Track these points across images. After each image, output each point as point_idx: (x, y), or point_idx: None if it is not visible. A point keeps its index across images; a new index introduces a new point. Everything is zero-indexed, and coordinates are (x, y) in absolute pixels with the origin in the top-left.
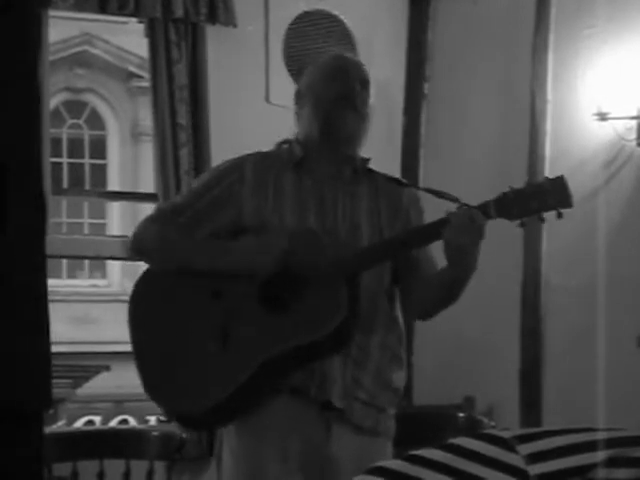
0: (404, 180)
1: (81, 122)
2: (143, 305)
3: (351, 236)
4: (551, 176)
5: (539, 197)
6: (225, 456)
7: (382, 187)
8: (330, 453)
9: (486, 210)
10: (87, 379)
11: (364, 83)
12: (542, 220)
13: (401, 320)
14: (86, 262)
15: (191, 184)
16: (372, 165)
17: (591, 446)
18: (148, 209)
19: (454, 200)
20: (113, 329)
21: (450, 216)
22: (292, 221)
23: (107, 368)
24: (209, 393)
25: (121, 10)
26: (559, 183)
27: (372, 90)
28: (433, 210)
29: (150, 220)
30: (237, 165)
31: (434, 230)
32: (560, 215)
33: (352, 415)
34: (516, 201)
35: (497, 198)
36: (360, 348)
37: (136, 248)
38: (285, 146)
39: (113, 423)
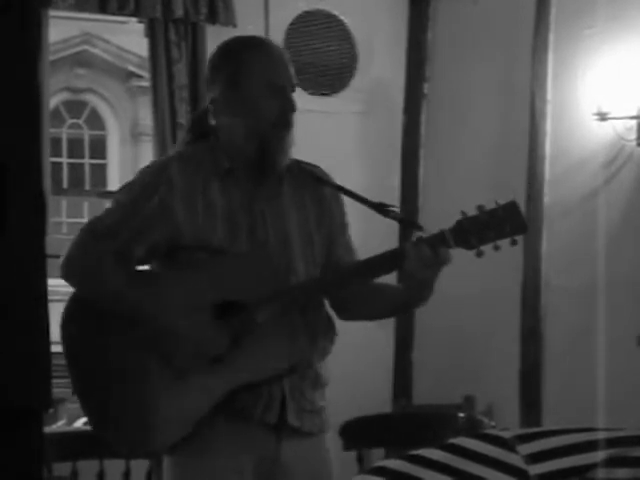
0: (330, 180)
1: (81, 122)
2: (78, 335)
3: (282, 247)
4: (503, 202)
5: (495, 225)
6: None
7: (307, 185)
8: (281, 461)
9: (445, 240)
10: None
11: (294, 88)
12: (497, 248)
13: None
14: None
15: (116, 196)
16: (372, 166)
17: (591, 446)
18: None
19: (395, 218)
20: None
21: (409, 249)
22: (223, 234)
23: None
24: (171, 428)
25: (121, 10)
26: (512, 209)
27: (372, 88)
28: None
29: (81, 245)
30: (162, 172)
31: (392, 263)
32: (515, 242)
33: (303, 427)
34: (473, 230)
35: (453, 227)
36: (306, 362)
37: (66, 276)
38: (202, 150)
39: None
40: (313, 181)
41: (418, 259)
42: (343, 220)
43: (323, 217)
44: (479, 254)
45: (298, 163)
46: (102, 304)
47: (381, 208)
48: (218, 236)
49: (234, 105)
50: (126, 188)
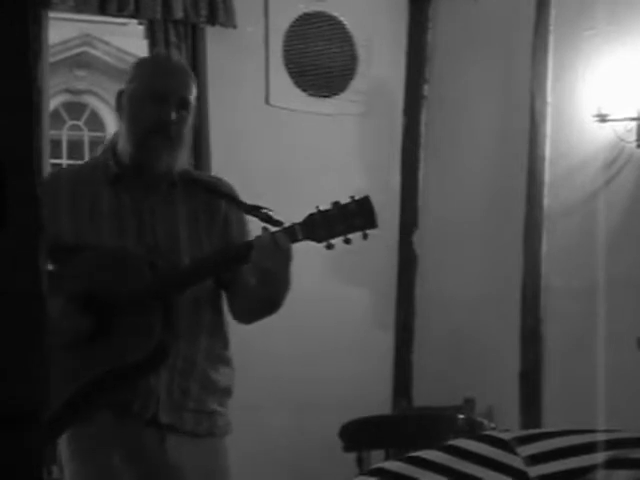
0: (223, 189)
1: (81, 123)
2: None
3: (170, 250)
4: (357, 197)
5: (345, 219)
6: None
7: (200, 195)
8: (169, 461)
9: (293, 233)
10: None
11: (184, 104)
12: (348, 242)
13: (226, 323)
14: None
15: None
16: (373, 167)
17: (591, 448)
18: None
19: (265, 219)
20: None
21: (255, 240)
22: (110, 241)
23: None
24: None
25: (121, 11)
26: (365, 204)
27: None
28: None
29: None
30: (50, 183)
31: (241, 253)
32: (365, 236)
33: (184, 426)
34: (322, 223)
35: (304, 221)
36: (185, 359)
37: None
38: (101, 159)
39: None
40: (206, 191)
41: (261, 248)
42: (242, 229)
43: (214, 225)
44: (329, 247)
45: (191, 174)
46: None
47: (253, 209)
48: (104, 238)
49: (124, 112)
50: None
